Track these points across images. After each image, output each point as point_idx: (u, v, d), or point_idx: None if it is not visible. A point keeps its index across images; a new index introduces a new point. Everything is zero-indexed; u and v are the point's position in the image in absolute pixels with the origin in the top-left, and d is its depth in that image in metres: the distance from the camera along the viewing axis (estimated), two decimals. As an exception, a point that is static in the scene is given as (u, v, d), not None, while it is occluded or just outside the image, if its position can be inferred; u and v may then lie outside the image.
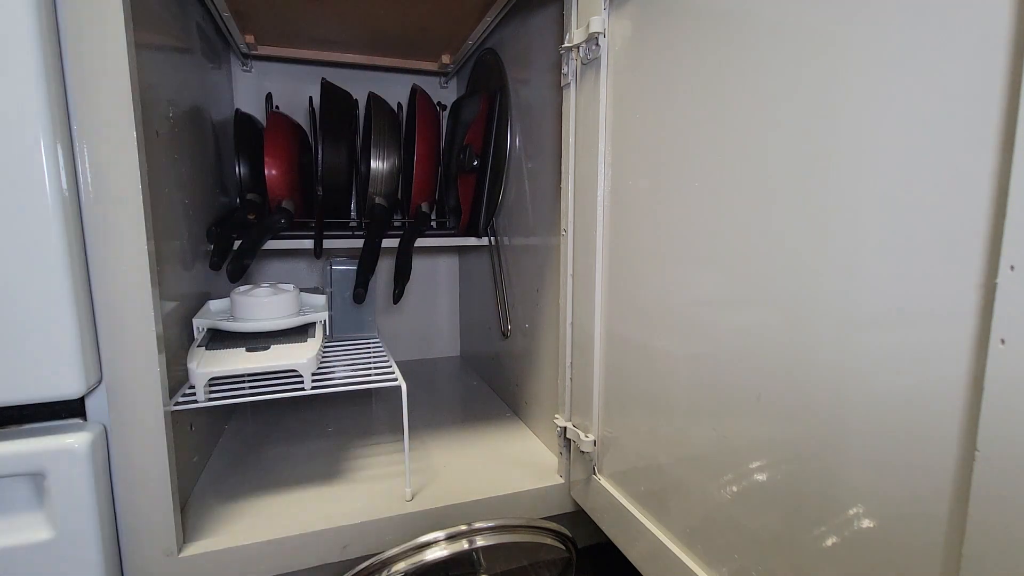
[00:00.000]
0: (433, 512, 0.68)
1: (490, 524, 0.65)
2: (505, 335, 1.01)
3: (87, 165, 0.50)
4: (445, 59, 1.16)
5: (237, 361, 0.64)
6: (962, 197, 0.27)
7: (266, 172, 0.94)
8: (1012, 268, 0.25)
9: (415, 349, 1.35)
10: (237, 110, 1.04)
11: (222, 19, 0.91)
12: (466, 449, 0.86)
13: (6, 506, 0.51)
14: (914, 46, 0.29)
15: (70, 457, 0.50)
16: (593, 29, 0.57)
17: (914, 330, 0.30)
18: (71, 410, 0.53)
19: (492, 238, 1.02)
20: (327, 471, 0.78)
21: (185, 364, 0.66)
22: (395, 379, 0.70)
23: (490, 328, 1.11)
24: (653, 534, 0.53)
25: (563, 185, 0.68)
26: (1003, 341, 0.25)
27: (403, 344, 1.30)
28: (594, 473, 0.66)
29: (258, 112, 1.10)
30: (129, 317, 0.52)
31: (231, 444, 0.87)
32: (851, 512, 0.34)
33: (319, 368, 0.70)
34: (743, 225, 0.41)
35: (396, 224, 1.10)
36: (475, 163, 0.94)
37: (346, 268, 1.08)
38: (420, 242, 0.96)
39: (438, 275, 1.35)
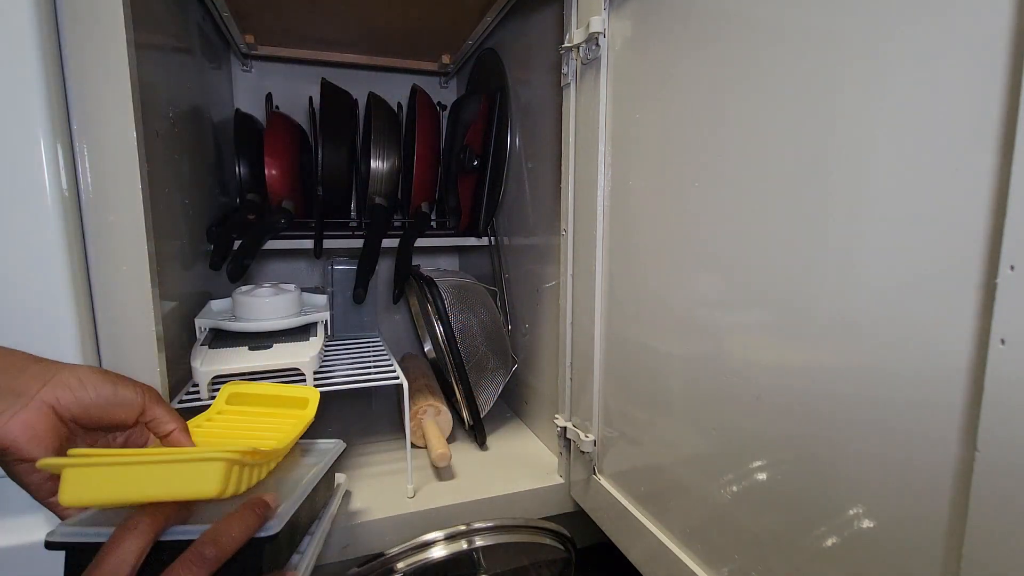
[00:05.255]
0: (432, 512, 0.68)
1: (489, 524, 0.65)
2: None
3: (87, 165, 0.50)
4: (445, 59, 1.16)
5: (240, 360, 0.64)
6: (962, 197, 0.27)
7: (266, 172, 0.94)
8: (1012, 268, 0.25)
9: (415, 348, 1.35)
10: (237, 110, 1.04)
11: (222, 19, 0.91)
12: (466, 448, 0.86)
13: (6, 506, 0.52)
14: (914, 45, 0.29)
15: (70, 457, 0.50)
16: (593, 29, 0.57)
17: (914, 330, 0.30)
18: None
19: (492, 238, 1.02)
20: (327, 471, 0.78)
21: (185, 364, 0.66)
22: (396, 377, 0.70)
23: (490, 328, 1.11)
24: (653, 534, 0.53)
25: (563, 185, 0.68)
26: (1003, 341, 0.25)
27: (404, 343, 1.30)
28: (594, 473, 0.66)
29: (258, 112, 1.10)
30: (129, 317, 0.52)
31: (231, 444, 0.87)
32: (851, 512, 0.34)
33: (321, 367, 0.70)
34: (743, 225, 0.41)
35: (396, 224, 1.10)
36: (475, 163, 0.94)
37: (346, 268, 1.08)
38: (420, 242, 0.96)
39: (438, 275, 1.35)
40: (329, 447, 0.59)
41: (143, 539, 0.32)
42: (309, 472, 0.51)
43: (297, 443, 0.56)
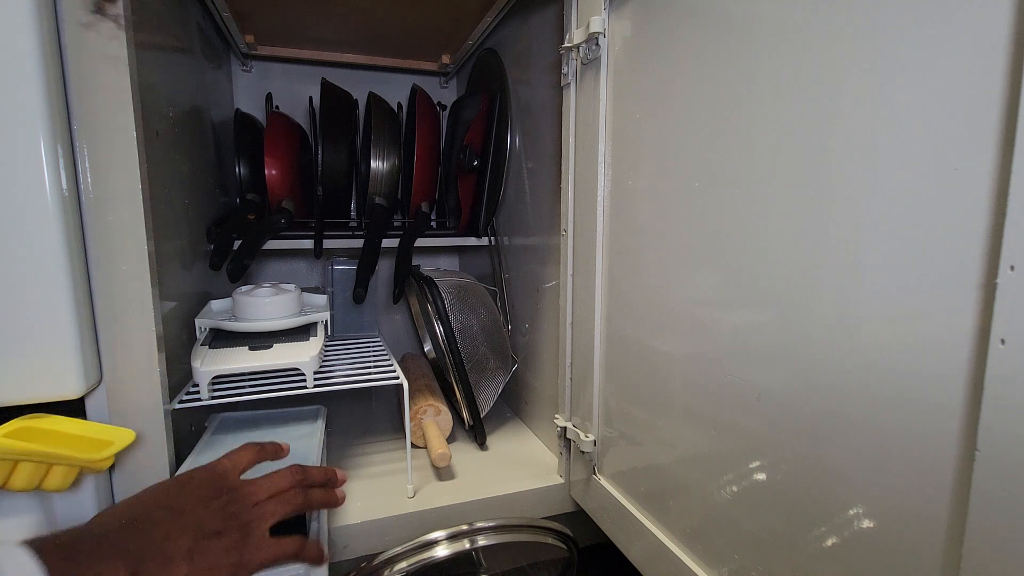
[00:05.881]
0: (432, 512, 0.68)
1: (491, 524, 0.65)
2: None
3: (87, 165, 0.50)
4: (445, 59, 1.16)
5: (241, 360, 0.64)
6: (962, 197, 0.27)
7: (266, 172, 0.94)
8: (1012, 268, 0.25)
9: (415, 348, 1.35)
10: (237, 110, 1.04)
11: (222, 19, 0.91)
12: (466, 448, 0.86)
13: (6, 508, 0.51)
14: (914, 45, 0.29)
15: (70, 457, 0.50)
16: (593, 29, 0.57)
17: (914, 330, 0.30)
18: (71, 410, 0.53)
19: (492, 238, 1.02)
20: (327, 471, 0.78)
21: (185, 364, 0.66)
22: (396, 377, 0.70)
23: (490, 328, 1.11)
24: (653, 534, 0.53)
25: (563, 185, 0.68)
26: (1003, 341, 0.25)
27: (404, 343, 1.30)
28: (594, 473, 0.66)
29: (258, 112, 1.10)
30: (129, 317, 0.52)
31: (231, 444, 0.87)
32: (851, 512, 0.34)
33: (321, 367, 0.70)
34: (743, 225, 0.41)
35: (396, 224, 1.10)
36: (475, 163, 0.94)
37: (346, 268, 1.08)
38: (420, 242, 0.96)
39: (438, 275, 1.35)
40: (313, 410, 0.67)
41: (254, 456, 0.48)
42: (312, 437, 0.60)
43: (283, 412, 0.66)
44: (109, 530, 0.35)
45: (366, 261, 0.85)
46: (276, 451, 0.51)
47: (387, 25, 0.98)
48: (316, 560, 0.46)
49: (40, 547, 0.30)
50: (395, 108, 1.05)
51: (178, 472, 0.56)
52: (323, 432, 0.63)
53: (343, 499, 0.51)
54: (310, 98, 1.06)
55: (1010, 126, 0.25)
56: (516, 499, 0.72)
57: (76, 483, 0.49)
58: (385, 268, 1.21)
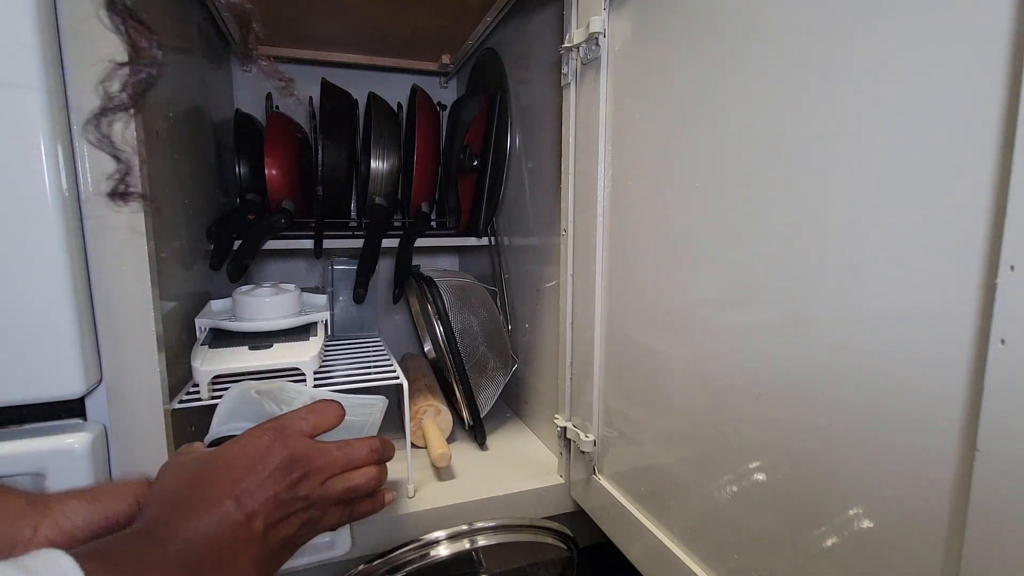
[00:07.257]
0: (433, 512, 0.68)
1: (492, 524, 0.65)
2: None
3: (87, 165, 0.50)
4: (445, 59, 1.16)
5: (241, 360, 0.64)
6: (962, 197, 0.27)
7: (266, 172, 0.94)
8: (1012, 268, 0.25)
9: (415, 348, 1.35)
10: (237, 110, 1.04)
11: (222, 19, 0.91)
12: (466, 448, 0.86)
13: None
14: (914, 45, 0.29)
15: (70, 457, 0.50)
16: (593, 29, 0.57)
17: (914, 330, 0.30)
18: (71, 410, 0.53)
19: (492, 238, 1.02)
20: (327, 471, 0.77)
21: (185, 364, 0.66)
22: (396, 377, 0.70)
23: (490, 328, 1.11)
24: (653, 534, 0.53)
25: (563, 185, 0.68)
26: (1003, 341, 0.25)
27: (404, 343, 1.30)
28: (594, 473, 0.66)
29: (258, 112, 1.10)
30: (129, 317, 0.52)
31: (231, 444, 0.87)
32: (851, 512, 0.34)
33: (321, 367, 0.70)
34: (743, 225, 0.41)
35: (396, 224, 1.10)
36: (475, 163, 0.94)
37: (347, 268, 1.08)
38: (420, 242, 0.96)
39: (438, 275, 1.35)
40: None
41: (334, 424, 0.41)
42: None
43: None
44: (159, 534, 0.30)
45: (366, 261, 0.85)
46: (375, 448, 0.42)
47: (387, 25, 0.98)
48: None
49: (80, 555, 0.26)
50: (395, 108, 1.05)
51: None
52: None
53: (391, 500, 0.45)
54: (310, 98, 1.06)
55: (1010, 126, 0.25)
56: (516, 499, 0.72)
57: None
58: (385, 268, 1.21)
